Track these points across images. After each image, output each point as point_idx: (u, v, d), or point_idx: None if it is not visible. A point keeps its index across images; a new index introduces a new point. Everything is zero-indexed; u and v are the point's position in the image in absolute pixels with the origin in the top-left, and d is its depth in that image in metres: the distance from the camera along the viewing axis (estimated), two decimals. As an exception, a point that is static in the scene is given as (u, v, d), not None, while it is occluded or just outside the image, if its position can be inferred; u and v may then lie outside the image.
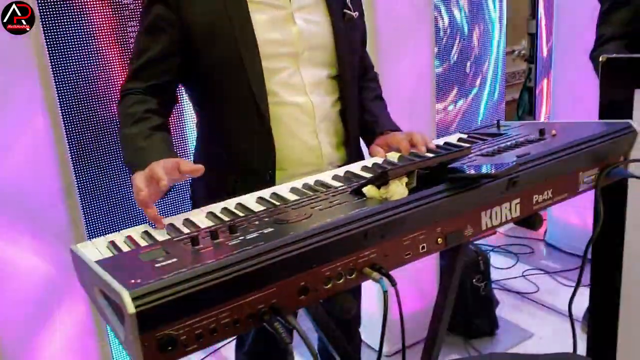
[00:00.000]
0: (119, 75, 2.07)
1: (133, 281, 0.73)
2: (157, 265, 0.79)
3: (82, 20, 1.96)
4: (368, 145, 1.45)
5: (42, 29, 1.58)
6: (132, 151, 1.20)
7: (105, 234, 1.00)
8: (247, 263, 0.79)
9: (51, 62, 1.64)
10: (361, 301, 1.70)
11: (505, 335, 2.51)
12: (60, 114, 1.65)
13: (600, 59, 1.39)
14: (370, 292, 1.65)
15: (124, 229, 1.02)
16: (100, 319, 1.78)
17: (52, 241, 1.62)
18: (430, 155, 1.25)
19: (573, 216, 3.04)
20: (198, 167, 1.06)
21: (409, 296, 2.29)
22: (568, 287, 2.80)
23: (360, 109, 1.48)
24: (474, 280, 2.43)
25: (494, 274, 2.71)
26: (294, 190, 1.15)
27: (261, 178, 1.31)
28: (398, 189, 0.96)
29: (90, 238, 1.06)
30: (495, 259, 3.08)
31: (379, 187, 0.99)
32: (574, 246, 3.06)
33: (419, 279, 2.36)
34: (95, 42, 2.00)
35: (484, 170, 1.02)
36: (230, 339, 2.15)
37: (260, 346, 1.55)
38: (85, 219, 1.93)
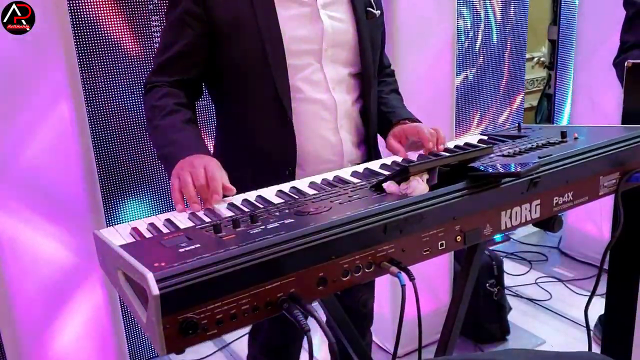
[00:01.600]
0: (142, 65, 2.09)
1: (157, 264, 0.75)
2: (180, 250, 0.81)
3: (108, 9, 1.98)
4: (384, 137, 1.42)
5: (69, 16, 1.60)
6: (165, 143, 1.20)
7: (125, 221, 1.01)
8: (268, 251, 0.80)
9: (77, 50, 1.66)
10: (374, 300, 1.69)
11: (516, 341, 2.49)
12: (84, 102, 1.67)
13: (626, 64, 1.38)
14: (380, 292, 1.65)
15: (143, 216, 1.04)
16: (117, 304, 1.80)
17: (72, 227, 1.63)
18: (451, 153, 1.25)
19: (589, 225, 3.01)
20: (233, 189, 1.08)
21: (421, 299, 2.28)
22: (581, 296, 2.77)
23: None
24: (487, 285, 2.42)
25: (507, 280, 2.69)
26: (313, 184, 1.16)
27: (280, 174, 1.31)
28: (419, 185, 0.97)
29: (109, 225, 1.08)
30: (509, 266, 3.06)
31: (399, 183, 0.99)
32: (588, 255, 3.03)
33: (432, 282, 2.35)
34: (120, 31, 2.03)
35: (505, 169, 1.02)
36: (241, 333, 2.17)
37: (274, 338, 1.54)
38: (105, 206, 1.95)
